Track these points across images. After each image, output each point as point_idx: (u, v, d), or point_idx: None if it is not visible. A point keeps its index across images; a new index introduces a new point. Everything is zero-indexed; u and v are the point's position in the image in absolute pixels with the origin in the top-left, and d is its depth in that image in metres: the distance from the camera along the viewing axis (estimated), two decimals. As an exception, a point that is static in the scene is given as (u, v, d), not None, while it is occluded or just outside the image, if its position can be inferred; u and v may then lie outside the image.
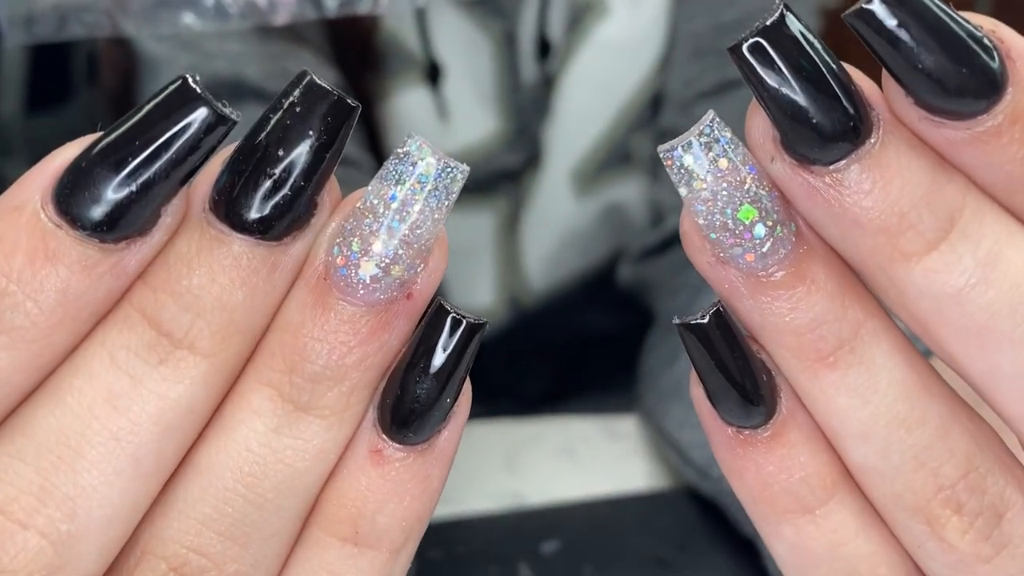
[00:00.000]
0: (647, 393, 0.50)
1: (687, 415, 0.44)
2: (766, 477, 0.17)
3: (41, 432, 0.15)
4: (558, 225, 0.68)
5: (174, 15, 0.32)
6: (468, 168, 0.16)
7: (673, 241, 0.60)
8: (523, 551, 0.38)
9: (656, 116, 0.67)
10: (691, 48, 0.65)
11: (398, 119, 0.64)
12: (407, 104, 0.64)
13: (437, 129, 0.64)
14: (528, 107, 0.66)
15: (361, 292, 0.16)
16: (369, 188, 0.16)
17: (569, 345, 0.72)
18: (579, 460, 0.51)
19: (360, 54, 0.64)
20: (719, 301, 0.17)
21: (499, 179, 0.66)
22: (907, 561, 0.17)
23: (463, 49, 0.65)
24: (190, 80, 0.15)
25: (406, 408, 0.16)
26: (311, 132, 0.15)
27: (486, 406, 0.73)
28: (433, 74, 0.64)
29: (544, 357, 0.73)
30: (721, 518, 0.38)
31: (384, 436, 0.17)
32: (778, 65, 0.15)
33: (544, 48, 0.66)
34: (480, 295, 0.69)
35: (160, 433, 0.15)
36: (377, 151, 0.64)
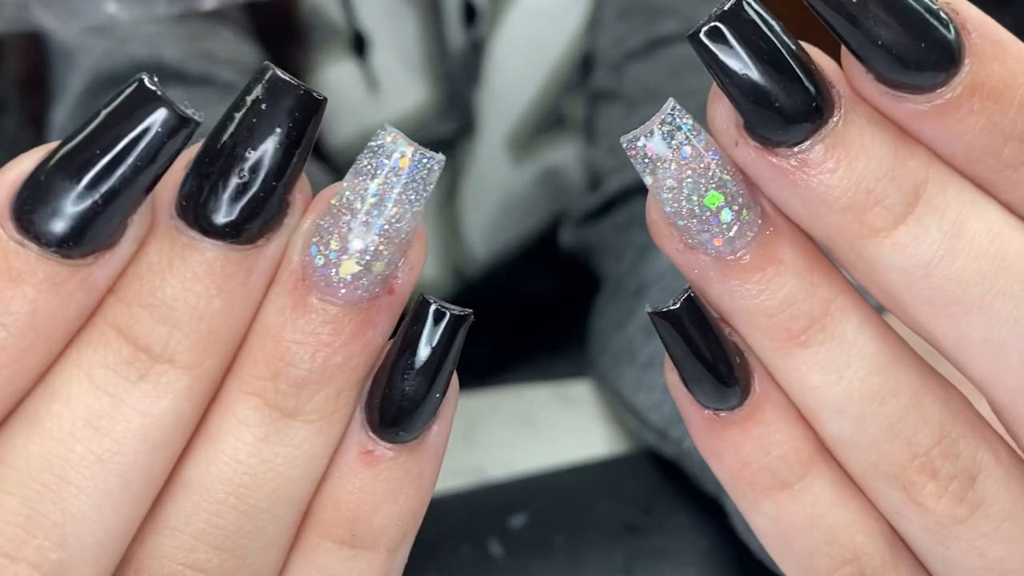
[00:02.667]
0: (599, 356, 0.50)
1: (640, 378, 0.44)
2: (744, 456, 0.17)
3: (22, 460, 0.14)
4: (497, 192, 0.68)
5: (96, 5, 0.30)
6: (444, 157, 0.16)
7: (613, 203, 0.60)
8: (492, 527, 0.38)
9: (587, 77, 0.67)
10: (618, 7, 0.65)
11: (327, 93, 0.63)
12: (335, 77, 0.63)
13: (367, 101, 0.63)
14: (458, 74, 0.65)
15: (343, 291, 0.15)
16: (344, 183, 0.16)
17: (515, 311, 0.72)
18: (537, 429, 0.52)
19: (282, 29, 0.62)
20: (689, 287, 0.17)
21: (433, 149, 0.66)
22: (885, 527, 0.18)
23: (388, 17, 0.63)
24: (147, 81, 0.14)
25: (395, 406, 0.16)
26: (279, 129, 0.15)
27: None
28: (359, 45, 0.63)
29: (491, 325, 0.73)
30: (683, 478, 0.39)
31: (374, 436, 0.17)
32: (737, 49, 0.15)
33: (470, 12, 0.65)
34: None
35: (147, 451, 0.15)
36: None
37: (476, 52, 0.65)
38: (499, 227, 0.69)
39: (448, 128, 0.65)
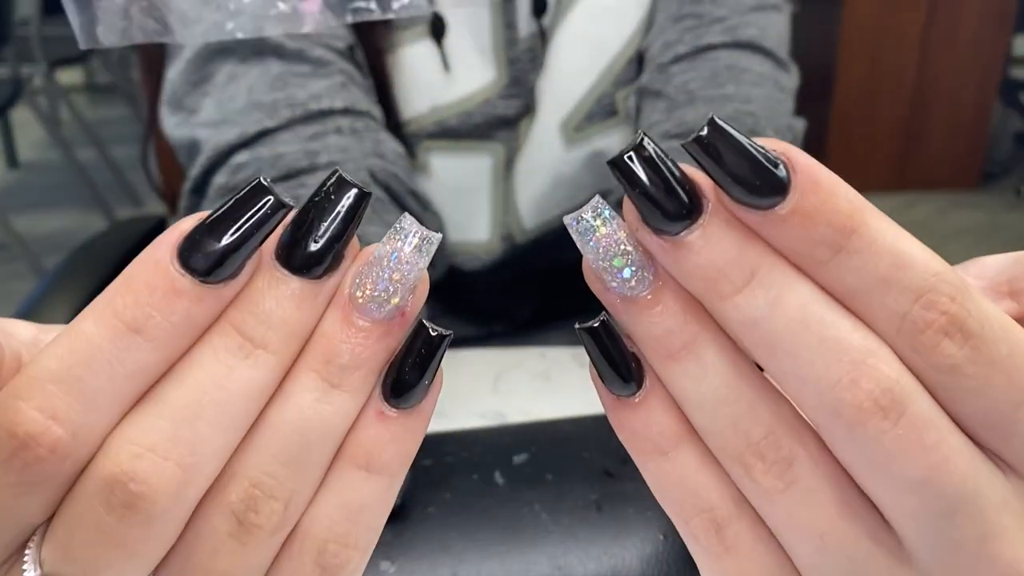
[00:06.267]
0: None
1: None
2: (635, 429, 0.25)
3: (172, 399, 0.23)
4: (548, 170, 0.74)
5: (220, 26, 0.39)
6: (441, 236, 0.24)
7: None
8: (499, 461, 0.46)
9: (639, 74, 0.72)
10: (672, 12, 0.69)
11: (405, 70, 0.70)
12: (413, 56, 0.70)
13: (440, 79, 0.70)
14: (524, 60, 0.71)
15: (372, 314, 0.24)
16: (378, 247, 0.24)
17: (555, 276, 0.79)
18: (554, 385, 0.59)
19: (371, 11, 0.70)
20: (605, 313, 0.25)
21: (496, 125, 0.72)
22: (734, 490, 0.25)
23: (465, 6, 0.70)
24: (263, 180, 0.23)
25: (400, 386, 0.24)
26: (339, 211, 0.23)
27: (482, 328, 0.82)
28: (438, 29, 0.70)
29: (533, 286, 0.80)
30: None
31: (386, 403, 0.25)
32: (640, 172, 0.22)
33: (540, 5, 0.71)
34: (478, 231, 0.76)
35: (245, 402, 0.23)
36: (385, 100, 0.70)
37: (542, 41, 0.71)
38: (548, 201, 0.75)
39: (511, 107, 0.72)
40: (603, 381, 0.25)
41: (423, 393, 0.25)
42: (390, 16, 0.46)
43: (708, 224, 0.23)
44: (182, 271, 0.22)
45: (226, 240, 0.22)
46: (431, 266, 0.75)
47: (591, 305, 0.25)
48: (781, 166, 0.22)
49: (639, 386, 0.25)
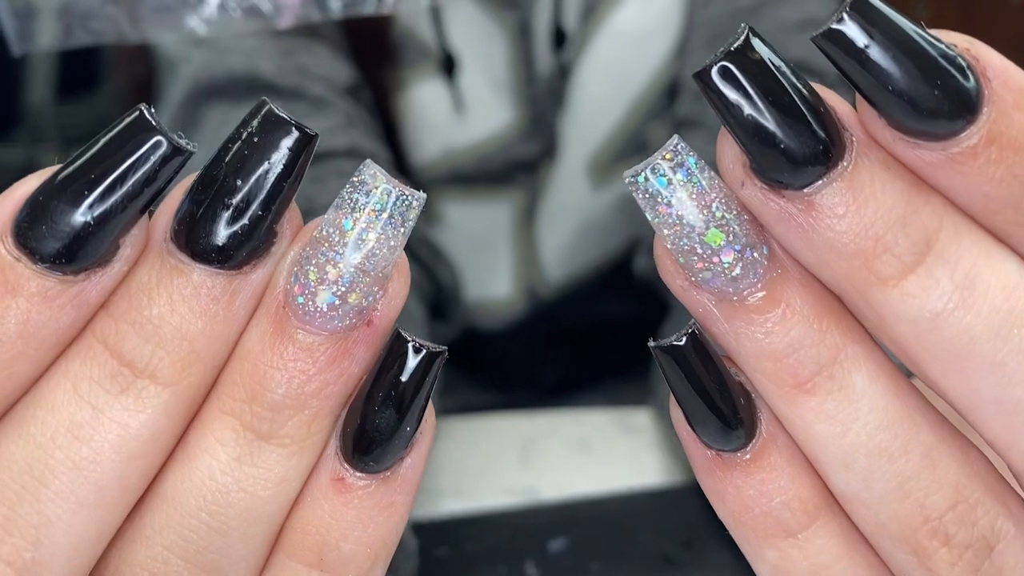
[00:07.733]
0: (659, 385, 0.50)
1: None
2: (746, 500, 0.17)
3: (5, 462, 0.15)
4: (575, 215, 0.69)
5: (178, 20, 0.32)
6: (424, 195, 0.16)
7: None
8: (531, 549, 0.39)
9: (672, 104, 0.67)
10: (708, 35, 0.65)
11: (414, 111, 0.65)
12: (423, 96, 0.65)
13: (453, 121, 0.65)
14: (544, 97, 0.66)
15: (319, 321, 0.16)
16: (325, 216, 0.16)
17: (586, 334, 0.73)
18: (594, 454, 0.52)
19: (375, 47, 0.65)
20: (695, 323, 0.17)
21: (516, 170, 0.67)
22: None
23: (478, 40, 0.65)
24: (146, 112, 0.15)
25: (367, 437, 0.17)
26: (269, 161, 0.15)
27: (504, 395, 0.75)
28: (448, 66, 0.65)
29: (561, 346, 0.74)
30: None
31: (346, 464, 0.17)
32: (744, 89, 0.15)
33: (559, 38, 0.66)
34: (497, 286, 0.70)
35: (123, 462, 0.16)
36: (394, 144, 0.65)
37: (563, 76, 0.66)
38: (575, 250, 0.70)
39: (531, 150, 0.67)
40: (693, 428, 0.17)
41: (404, 447, 0.17)
42: (385, 11, 0.39)
43: (856, 169, 0.15)
44: (19, 253, 0.15)
45: (89, 206, 0.14)
46: (444, 322, 0.69)
47: (631, 368, 0.17)
48: (967, 70, 0.14)
49: (750, 435, 0.17)
